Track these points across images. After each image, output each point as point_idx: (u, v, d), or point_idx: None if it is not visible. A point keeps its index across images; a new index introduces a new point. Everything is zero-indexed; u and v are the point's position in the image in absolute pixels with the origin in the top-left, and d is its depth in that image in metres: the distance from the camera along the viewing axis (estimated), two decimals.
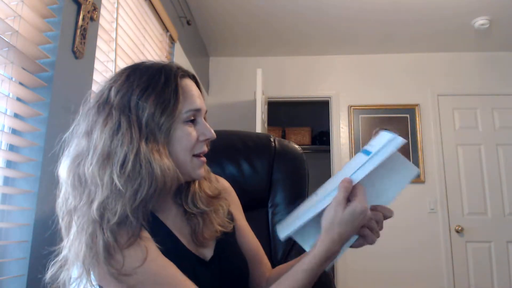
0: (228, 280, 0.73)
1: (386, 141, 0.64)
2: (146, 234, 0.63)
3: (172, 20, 2.27)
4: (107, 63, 1.49)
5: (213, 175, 0.82)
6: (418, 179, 3.10)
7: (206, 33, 3.11)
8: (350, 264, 2.97)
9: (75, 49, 1.17)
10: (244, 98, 3.34)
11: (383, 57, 3.37)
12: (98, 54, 1.38)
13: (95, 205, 0.60)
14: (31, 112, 1.03)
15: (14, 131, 1.02)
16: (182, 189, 0.75)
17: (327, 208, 0.63)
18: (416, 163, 3.12)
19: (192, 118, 0.70)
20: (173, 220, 0.72)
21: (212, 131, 0.72)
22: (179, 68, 0.73)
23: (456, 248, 2.97)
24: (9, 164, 1.01)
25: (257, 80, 2.72)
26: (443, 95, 3.23)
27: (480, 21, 2.76)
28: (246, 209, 0.89)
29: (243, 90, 3.35)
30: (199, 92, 0.75)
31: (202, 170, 0.73)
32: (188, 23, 2.60)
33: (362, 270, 2.95)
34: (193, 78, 0.76)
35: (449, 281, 2.91)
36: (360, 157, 0.67)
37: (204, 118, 0.74)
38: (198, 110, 0.71)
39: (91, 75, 1.30)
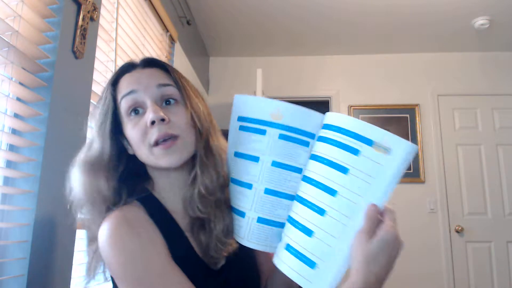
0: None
1: (405, 154, 0.54)
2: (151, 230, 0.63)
3: (172, 20, 2.27)
4: (107, 63, 1.49)
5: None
6: (418, 179, 3.10)
7: (206, 33, 3.11)
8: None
9: (75, 49, 1.17)
10: None
11: (383, 57, 3.36)
12: (98, 54, 1.37)
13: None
14: (31, 112, 1.03)
15: (14, 131, 1.02)
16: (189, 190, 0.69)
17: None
18: (416, 163, 3.12)
19: (133, 107, 0.66)
20: (184, 220, 0.68)
21: (154, 112, 0.63)
22: (118, 70, 0.72)
23: (456, 248, 2.97)
24: (9, 164, 1.01)
25: (257, 80, 2.73)
26: (443, 95, 3.23)
27: (480, 21, 2.76)
28: None
29: (243, 90, 3.35)
30: (145, 73, 0.69)
31: (172, 157, 0.65)
32: (188, 23, 2.60)
33: None
34: (143, 64, 0.71)
35: (449, 281, 2.91)
36: (380, 159, 0.54)
37: (172, 95, 0.68)
38: (130, 93, 0.66)
39: (91, 75, 1.30)
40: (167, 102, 0.68)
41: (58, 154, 1.07)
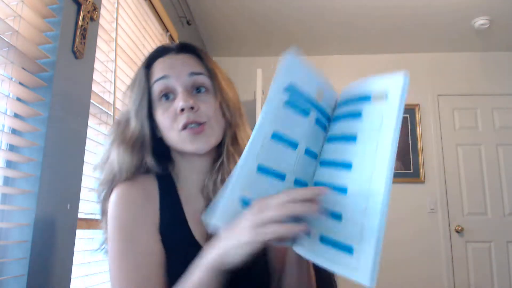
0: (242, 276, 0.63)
1: (401, 87, 0.49)
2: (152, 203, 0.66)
3: (172, 20, 2.27)
4: (107, 63, 1.49)
5: None
6: (418, 179, 3.10)
7: (206, 33, 3.11)
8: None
9: (75, 49, 1.17)
10: (244, 98, 3.32)
11: (383, 57, 3.36)
12: (98, 54, 1.37)
13: None
14: (31, 112, 1.03)
15: (14, 131, 1.02)
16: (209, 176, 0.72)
17: None
18: (416, 163, 3.12)
19: (165, 92, 0.68)
20: (194, 207, 0.70)
21: (184, 101, 0.65)
22: (153, 53, 0.73)
23: (456, 248, 2.97)
24: (9, 164, 1.01)
25: (257, 80, 2.73)
26: (443, 95, 3.23)
27: (480, 21, 2.76)
28: None
29: (243, 90, 3.33)
30: (178, 59, 0.70)
31: (198, 143, 0.67)
32: (188, 23, 2.60)
33: None
34: (177, 50, 0.73)
35: (449, 281, 2.91)
36: (381, 108, 0.50)
37: (203, 83, 0.69)
38: (162, 78, 0.68)
39: (91, 75, 1.30)
40: (198, 90, 0.70)
41: (58, 154, 1.07)
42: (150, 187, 0.69)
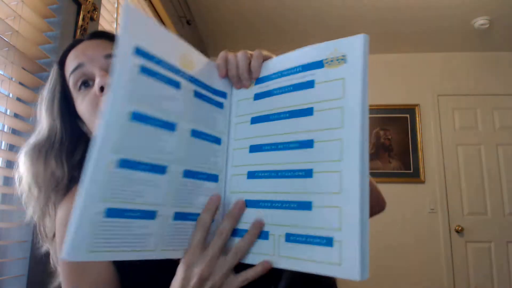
0: None
1: (362, 49, 0.44)
2: None
3: (172, 20, 2.27)
4: None
5: None
6: (418, 179, 3.10)
7: (206, 33, 3.11)
8: None
9: None
10: None
11: (383, 57, 3.36)
12: None
13: None
14: (31, 112, 1.03)
15: (14, 131, 1.02)
16: None
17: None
18: (416, 163, 3.12)
19: (82, 80, 0.60)
20: None
21: (103, 77, 0.56)
22: (65, 50, 0.66)
23: (456, 248, 2.97)
24: (9, 164, 1.01)
25: None
26: (443, 95, 3.23)
27: (480, 21, 2.75)
28: None
29: None
30: (90, 45, 0.63)
31: None
32: (188, 23, 2.60)
33: None
34: (87, 37, 0.67)
35: (449, 281, 2.91)
36: (340, 73, 0.43)
37: None
38: (78, 68, 0.60)
39: None
40: None
41: None
42: None
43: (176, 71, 0.44)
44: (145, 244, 0.39)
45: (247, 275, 0.44)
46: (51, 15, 1.09)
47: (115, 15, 1.57)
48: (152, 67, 0.41)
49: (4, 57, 0.95)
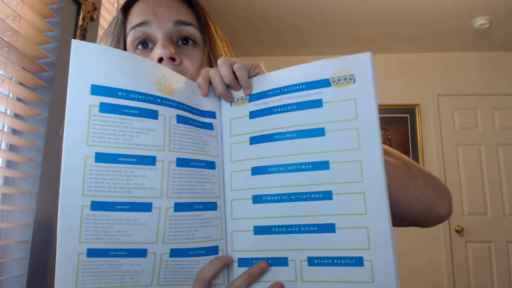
0: None
1: (369, 67, 0.42)
2: None
3: None
4: None
5: None
6: None
7: None
8: None
9: None
10: None
11: (383, 57, 3.37)
12: None
13: None
14: (31, 112, 1.03)
15: (14, 131, 1.02)
16: None
17: None
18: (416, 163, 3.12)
19: (141, 39, 0.55)
20: None
21: (164, 47, 0.52)
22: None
23: (456, 248, 2.97)
24: (9, 164, 1.01)
25: None
26: (443, 95, 3.23)
27: (480, 21, 2.76)
28: None
29: None
30: (163, 3, 0.56)
31: None
32: None
33: None
34: None
35: (449, 281, 2.91)
36: (349, 92, 0.42)
37: (192, 35, 0.56)
38: (141, 24, 0.54)
39: None
40: (184, 42, 0.56)
41: (58, 154, 1.07)
42: None
43: (152, 99, 0.40)
44: (138, 280, 0.38)
45: None
46: (51, 15, 1.09)
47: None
48: (116, 101, 0.38)
49: (4, 57, 0.95)
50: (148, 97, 0.40)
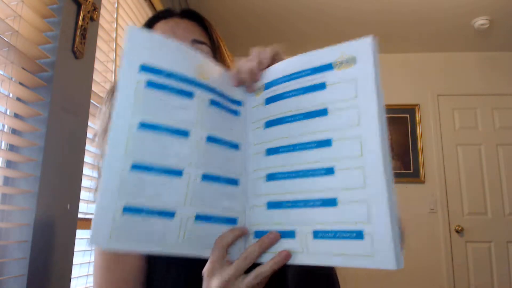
0: None
1: (371, 49, 0.45)
2: None
3: None
4: (107, 63, 1.49)
5: None
6: (418, 179, 3.10)
7: None
8: None
9: (75, 49, 1.17)
10: None
11: (383, 57, 3.35)
12: (98, 54, 1.37)
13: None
14: (31, 112, 1.03)
15: (14, 131, 1.02)
16: None
17: None
18: (416, 163, 3.12)
19: None
20: None
21: None
22: (155, 15, 0.68)
23: (456, 248, 2.97)
24: (9, 164, 1.01)
25: None
26: (443, 95, 3.23)
27: (480, 21, 2.76)
28: None
29: None
30: (180, 25, 0.65)
31: None
32: None
33: (361, 269, 2.95)
34: (180, 14, 0.68)
35: (449, 281, 2.91)
36: (351, 73, 0.45)
37: (207, 52, 0.64)
38: None
39: (91, 75, 1.30)
40: None
41: (58, 154, 1.07)
42: None
43: (190, 81, 0.46)
44: (165, 240, 0.42)
45: (261, 271, 0.43)
46: (51, 15, 1.09)
47: (115, 15, 1.57)
48: (160, 80, 0.44)
49: (4, 57, 0.95)
50: (187, 79, 0.45)
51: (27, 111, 1.02)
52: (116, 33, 1.55)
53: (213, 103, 0.47)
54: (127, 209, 0.40)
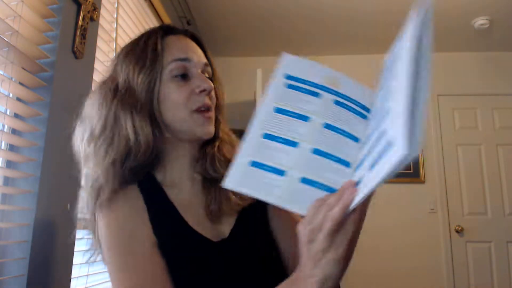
0: (244, 263, 0.65)
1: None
2: (139, 204, 0.64)
3: (172, 20, 2.27)
4: (107, 63, 1.49)
5: (236, 141, 0.76)
6: (418, 179, 3.10)
7: (206, 33, 3.11)
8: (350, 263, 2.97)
9: (75, 49, 1.17)
10: (244, 98, 3.33)
11: (383, 58, 3.36)
12: (98, 54, 1.37)
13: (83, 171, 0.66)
14: (31, 112, 1.03)
15: (14, 131, 1.02)
16: (201, 157, 0.70)
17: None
18: (416, 163, 3.12)
19: (182, 72, 0.67)
20: (186, 195, 0.68)
21: (209, 83, 0.67)
22: (164, 26, 0.72)
23: (456, 248, 2.97)
24: (9, 164, 1.01)
25: (257, 80, 2.73)
26: (443, 95, 3.23)
27: (480, 21, 2.76)
28: None
29: (243, 90, 3.34)
30: (193, 45, 0.71)
31: (209, 127, 0.67)
32: (188, 23, 2.60)
33: (362, 269, 2.95)
34: (188, 34, 0.73)
35: (449, 281, 2.91)
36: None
37: (211, 75, 0.73)
38: (185, 60, 0.67)
39: (91, 75, 1.30)
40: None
41: (58, 154, 1.07)
42: (131, 201, 0.65)
43: (320, 87, 0.59)
44: (272, 192, 0.53)
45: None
46: (51, 15, 1.09)
47: (115, 15, 1.57)
48: (297, 84, 0.59)
49: (4, 57, 0.95)
50: (317, 85, 0.59)
51: (27, 111, 1.02)
52: (116, 33, 1.55)
53: (337, 103, 0.58)
54: (254, 163, 0.53)
